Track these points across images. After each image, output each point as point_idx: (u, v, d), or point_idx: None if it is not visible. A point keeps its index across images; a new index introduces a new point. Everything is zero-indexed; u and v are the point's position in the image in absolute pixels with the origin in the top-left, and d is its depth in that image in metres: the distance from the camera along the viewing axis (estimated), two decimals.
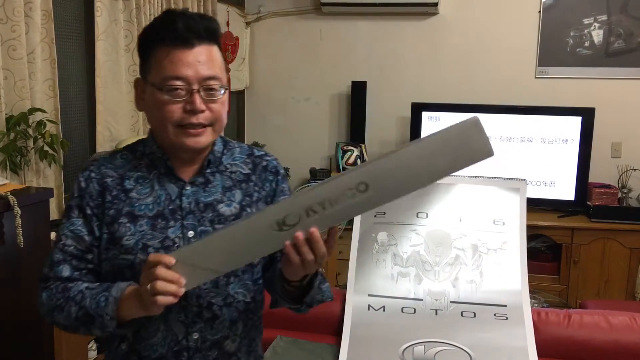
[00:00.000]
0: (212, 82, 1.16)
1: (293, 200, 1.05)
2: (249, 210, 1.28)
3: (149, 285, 1.04)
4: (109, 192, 1.21)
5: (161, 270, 1.04)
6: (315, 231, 1.05)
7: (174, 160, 1.23)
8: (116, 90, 2.87)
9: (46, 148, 2.31)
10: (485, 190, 2.02)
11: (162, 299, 1.03)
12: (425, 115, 3.87)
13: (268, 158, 1.36)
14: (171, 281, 1.04)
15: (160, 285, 1.03)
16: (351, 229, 2.02)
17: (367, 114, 4.12)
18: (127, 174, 1.23)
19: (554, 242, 3.65)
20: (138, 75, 1.23)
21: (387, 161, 1.01)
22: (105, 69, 2.81)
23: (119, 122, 2.89)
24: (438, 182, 2.04)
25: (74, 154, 2.72)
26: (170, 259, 1.05)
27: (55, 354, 2.09)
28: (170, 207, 1.22)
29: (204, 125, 1.17)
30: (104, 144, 2.82)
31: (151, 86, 1.16)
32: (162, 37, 1.15)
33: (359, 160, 3.97)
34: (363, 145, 4.06)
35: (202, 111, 1.16)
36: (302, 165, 4.24)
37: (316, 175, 4.08)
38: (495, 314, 1.82)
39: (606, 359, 1.75)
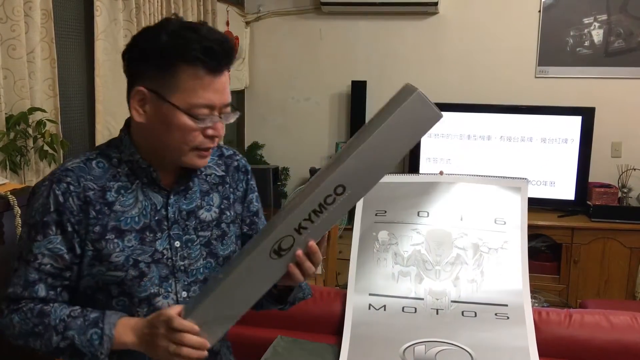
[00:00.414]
0: (229, 107, 1.16)
1: (281, 227, 1.07)
2: (228, 213, 1.29)
3: (172, 348, 1.05)
4: (92, 207, 1.15)
5: (189, 338, 1.05)
6: (313, 244, 1.08)
7: (158, 170, 1.19)
8: (116, 90, 2.86)
9: (46, 148, 2.30)
10: (487, 189, 2.01)
11: None
12: None
13: (237, 157, 1.39)
14: (198, 347, 1.06)
15: (187, 351, 1.05)
16: (351, 229, 2.01)
17: (367, 114, 4.11)
18: (107, 185, 1.17)
19: (554, 241, 3.65)
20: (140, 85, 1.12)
21: (354, 159, 1.05)
22: (104, 68, 2.80)
23: (118, 121, 2.88)
24: (439, 180, 2.04)
25: (74, 154, 2.71)
26: (196, 328, 1.06)
27: None
28: (157, 218, 1.20)
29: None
30: None
31: (171, 106, 1.09)
32: (196, 59, 1.08)
33: None
34: None
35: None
36: (302, 165, 4.24)
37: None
38: (496, 314, 1.81)
39: (607, 358, 1.75)
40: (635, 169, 3.81)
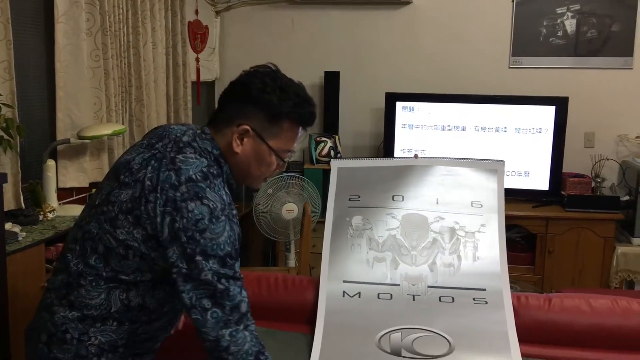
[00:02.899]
0: None
1: None
2: None
3: None
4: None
5: None
6: None
7: None
8: (78, 76, 2.73)
9: (1, 133, 2.18)
10: (463, 172, 1.95)
11: None
12: (400, 105, 3.81)
13: None
14: None
15: None
16: (325, 220, 1.93)
17: (341, 105, 4.05)
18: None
19: (529, 232, 3.63)
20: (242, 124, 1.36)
21: None
22: (66, 53, 2.67)
23: (81, 109, 2.76)
24: (414, 164, 1.98)
25: (33, 142, 2.58)
26: None
27: (11, 346, 1.97)
28: None
29: None
30: (64, 132, 2.69)
31: (267, 147, 1.38)
32: (300, 121, 1.39)
33: (332, 152, 3.90)
34: (336, 137, 3.98)
35: None
36: None
37: (289, 167, 3.99)
38: (474, 299, 1.75)
39: (588, 342, 1.70)
40: (608, 159, 3.81)
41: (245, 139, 1.36)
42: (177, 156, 1.31)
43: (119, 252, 1.30)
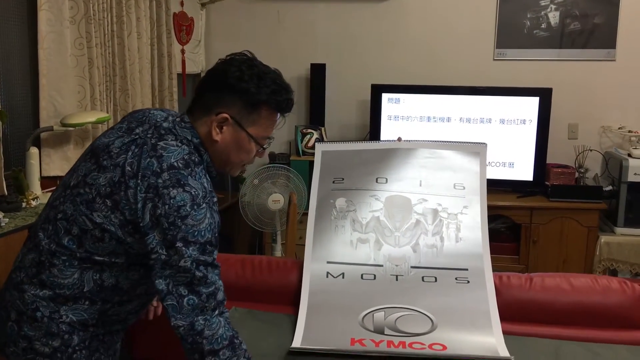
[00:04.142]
0: None
1: None
2: None
3: None
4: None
5: None
6: None
7: None
8: (61, 63, 2.71)
9: None
10: (446, 155, 1.97)
11: None
12: (385, 96, 3.83)
13: None
14: None
15: None
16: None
17: (327, 97, 4.05)
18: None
19: (513, 222, 3.65)
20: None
21: None
22: (49, 40, 2.65)
23: (64, 97, 2.74)
24: (397, 147, 1.99)
25: (16, 129, 2.56)
26: None
27: None
28: None
29: None
30: (48, 120, 2.67)
31: (247, 134, 1.38)
32: (278, 107, 1.40)
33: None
34: (323, 128, 3.99)
35: None
36: None
37: (275, 159, 4.00)
38: (456, 278, 1.77)
39: (569, 320, 1.72)
40: (591, 150, 3.85)
41: (224, 127, 1.37)
42: (159, 143, 1.31)
43: (95, 234, 1.30)
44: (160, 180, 1.26)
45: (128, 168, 1.29)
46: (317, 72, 4.04)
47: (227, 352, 1.28)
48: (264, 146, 1.44)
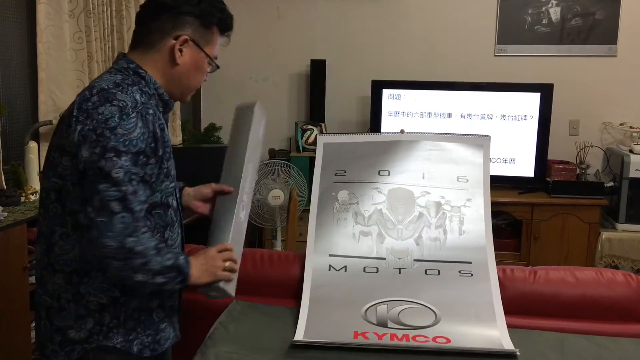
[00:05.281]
0: None
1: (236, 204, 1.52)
2: None
3: (227, 264, 1.42)
4: (161, 132, 1.32)
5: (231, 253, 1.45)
6: None
7: None
8: (60, 57, 2.70)
9: None
10: (449, 147, 1.95)
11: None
12: (386, 92, 3.81)
13: None
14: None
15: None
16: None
17: (327, 93, 4.03)
18: (157, 113, 1.35)
19: (515, 218, 3.64)
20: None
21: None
22: (47, 34, 2.64)
23: (63, 91, 2.72)
24: (400, 139, 1.98)
25: (15, 123, 2.55)
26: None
27: None
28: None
29: None
30: (47, 114, 2.66)
31: (205, 55, 1.40)
32: (225, 26, 1.43)
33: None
34: (323, 125, 3.98)
35: None
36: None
37: (275, 155, 3.98)
38: (460, 271, 1.75)
39: (573, 313, 1.71)
40: (592, 146, 3.84)
41: (184, 50, 1.37)
42: (93, 83, 1.32)
43: (65, 188, 1.28)
44: (89, 104, 1.25)
45: (67, 113, 1.30)
46: (317, 68, 4.02)
47: (157, 258, 1.26)
48: (218, 66, 1.45)
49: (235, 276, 1.46)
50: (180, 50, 1.37)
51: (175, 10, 1.37)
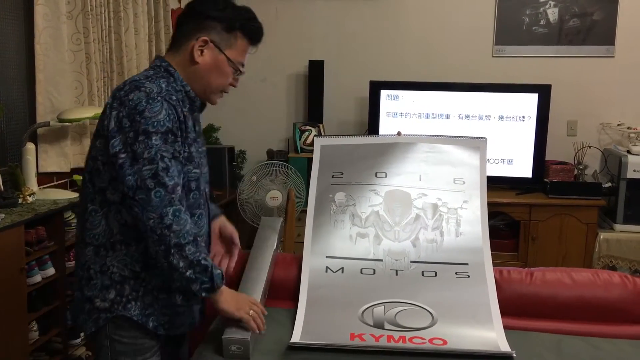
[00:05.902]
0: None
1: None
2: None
3: (252, 311, 1.51)
4: (185, 119, 1.45)
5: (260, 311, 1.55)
6: None
7: None
8: (58, 59, 2.70)
9: None
10: (446, 149, 1.96)
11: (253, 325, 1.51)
12: (384, 93, 3.81)
13: None
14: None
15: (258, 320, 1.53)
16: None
17: (325, 94, 4.03)
18: (182, 104, 1.46)
19: (513, 219, 3.64)
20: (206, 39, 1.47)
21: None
22: (45, 35, 2.64)
23: (61, 92, 2.72)
24: (397, 141, 1.98)
25: (12, 125, 2.55)
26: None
27: None
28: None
29: None
30: (45, 116, 2.65)
31: (226, 58, 1.48)
32: (250, 33, 1.50)
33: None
34: (321, 125, 3.98)
35: None
36: (259, 147, 4.15)
37: (273, 156, 3.98)
38: (456, 273, 1.75)
39: (570, 314, 1.71)
40: (590, 147, 3.84)
41: (204, 50, 1.47)
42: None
43: (96, 168, 1.42)
44: (122, 92, 1.39)
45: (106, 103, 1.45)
46: (315, 69, 4.02)
47: (192, 247, 1.37)
48: (241, 71, 1.53)
49: (250, 346, 1.51)
50: (201, 51, 1.47)
51: (202, 15, 1.49)
